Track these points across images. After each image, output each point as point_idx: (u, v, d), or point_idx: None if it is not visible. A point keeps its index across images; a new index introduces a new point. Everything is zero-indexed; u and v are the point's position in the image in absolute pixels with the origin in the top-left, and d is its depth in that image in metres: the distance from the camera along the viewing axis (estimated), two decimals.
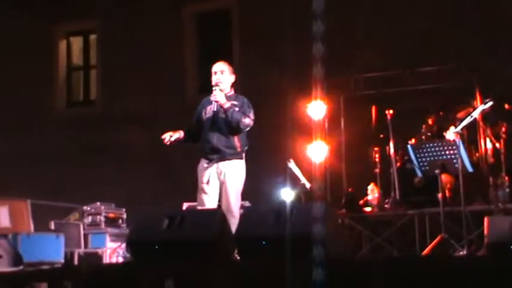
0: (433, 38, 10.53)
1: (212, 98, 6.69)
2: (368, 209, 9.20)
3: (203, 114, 6.82)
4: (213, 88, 6.69)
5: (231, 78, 6.86)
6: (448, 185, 8.59)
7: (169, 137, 6.82)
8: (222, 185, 6.60)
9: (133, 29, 12.91)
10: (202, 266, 4.94)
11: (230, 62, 12.56)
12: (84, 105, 13.85)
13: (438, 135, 9.03)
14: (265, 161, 9.81)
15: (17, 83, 13.41)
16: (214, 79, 6.77)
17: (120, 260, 9.49)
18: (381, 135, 9.54)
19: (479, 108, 8.14)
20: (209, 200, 6.61)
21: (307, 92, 9.07)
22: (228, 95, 6.74)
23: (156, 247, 5.28)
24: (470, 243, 7.42)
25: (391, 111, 9.18)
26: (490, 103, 8.00)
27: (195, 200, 9.36)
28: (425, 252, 7.36)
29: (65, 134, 13.07)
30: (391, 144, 9.09)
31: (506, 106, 8.92)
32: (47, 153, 12.90)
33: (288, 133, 10.59)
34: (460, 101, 9.04)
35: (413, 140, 9.01)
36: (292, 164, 8.78)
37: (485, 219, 6.57)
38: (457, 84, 9.36)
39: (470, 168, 7.62)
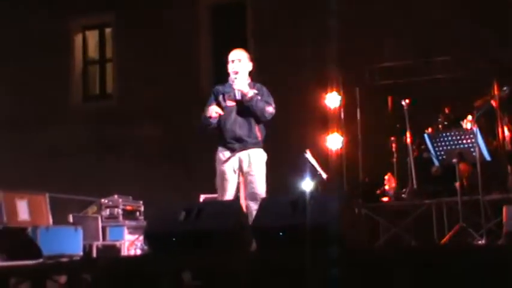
0: (448, 27, 10.48)
1: (235, 86, 6.59)
2: (385, 198, 9.19)
3: (222, 101, 6.69)
4: (234, 77, 6.60)
5: (249, 66, 6.78)
6: (466, 174, 8.55)
7: (215, 112, 6.56)
8: (246, 174, 6.53)
9: (148, 21, 12.94)
10: (220, 257, 4.95)
11: None
12: (101, 98, 13.90)
13: (455, 124, 8.99)
14: (282, 152, 9.81)
15: (33, 78, 13.48)
16: (232, 67, 6.67)
17: (138, 252, 9.53)
18: (397, 125, 9.51)
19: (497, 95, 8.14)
20: (232, 189, 6.55)
21: (323, 83, 9.10)
22: (247, 83, 6.67)
23: (174, 239, 5.30)
24: (489, 233, 7.39)
25: (407, 101, 9.14)
26: (507, 91, 7.97)
27: (211, 192, 9.42)
28: (443, 241, 7.34)
29: (81, 128, 13.13)
30: (408, 134, 9.06)
31: None
32: (64, 147, 12.97)
33: (304, 124, 10.60)
34: (476, 90, 8.99)
35: (429, 129, 8.97)
36: (308, 155, 8.78)
37: (504, 208, 6.57)
38: (473, 73, 9.31)
39: (488, 157, 7.58)
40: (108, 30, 13.91)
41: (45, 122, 13.25)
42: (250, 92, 6.54)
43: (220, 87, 6.81)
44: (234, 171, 6.57)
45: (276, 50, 11.74)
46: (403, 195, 9.10)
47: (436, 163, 8.03)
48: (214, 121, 6.62)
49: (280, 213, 5.22)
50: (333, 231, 4.81)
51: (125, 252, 9.67)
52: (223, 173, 6.60)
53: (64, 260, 7.41)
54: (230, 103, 6.64)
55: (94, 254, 9.43)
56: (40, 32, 13.55)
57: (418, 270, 4.37)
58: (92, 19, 13.87)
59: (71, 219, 9.54)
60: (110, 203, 10.20)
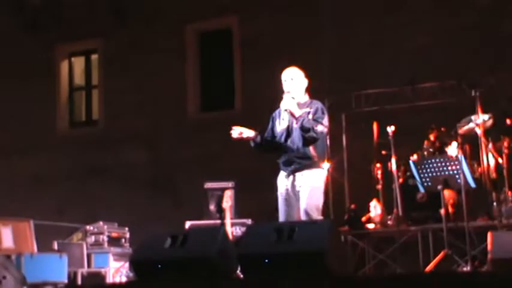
0: (434, 54, 10.57)
1: (281, 106, 6.46)
2: (371, 225, 9.20)
3: (277, 124, 6.57)
4: (284, 96, 6.45)
5: (304, 84, 6.59)
6: (451, 201, 8.59)
7: (238, 132, 6.45)
8: (301, 195, 6.34)
9: (135, 48, 12.97)
10: (205, 284, 4.93)
11: (231, 80, 12.72)
12: (87, 125, 13.88)
13: (440, 151, 9.04)
14: (267, 178, 9.81)
15: (20, 104, 13.46)
16: (285, 86, 6.53)
17: (124, 279, 9.46)
18: (383, 152, 9.55)
19: (480, 118, 8.24)
20: (291, 212, 6.38)
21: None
22: (302, 101, 6.50)
23: (159, 266, 5.27)
24: (474, 259, 7.41)
25: (392, 128, 9.19)
26: (491, 118, 8.09)
27: (197, 219, 9.42)
28: (428, 268, 7.35)
29: (67, 154, 13.09)
30: (393, 161, 9.10)
31: (508, 121, 8.94)
32: (50, 174, 12.92)
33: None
34: (461, 117, 9.06)
35: (415, 156, 9.02)
36: None
37: (489, 235, 6.57)
38: (458, 100, 9.38)
39: (472, 184, 7.62)
40: (94, 57, 13.93)
41: (32, 148, 13.21)
42: (298, 112, 6.37)
43: (278, 111, 6.65)
44: (287, 193, 6.42)
45: (262, 76, 11.79)
46: (388, 222, 9.11)
47: (422, 190, 8.07)
48: (256, 144, 6.54)
49: (266, 240, 5.21)
50: (319, 258, 4.80)
51: (110, 279, 9.60)
52: (280, 195, 6.49)
53: (48, 287, 7.36)
54: (283, 126, 6.51)
55: (79, 282, 9.35)
56: (26, 58, 13.55)
57: None
58: (78, 45, 13.89)
59: (55, 246, 9.48)
60: (95, 229, 10.15)
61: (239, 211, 9.32)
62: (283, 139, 6.49)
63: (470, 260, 7.26)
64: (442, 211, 7.63)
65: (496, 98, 9.23)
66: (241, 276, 5.41)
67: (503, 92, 9.34)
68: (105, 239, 10.07)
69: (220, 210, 8.49)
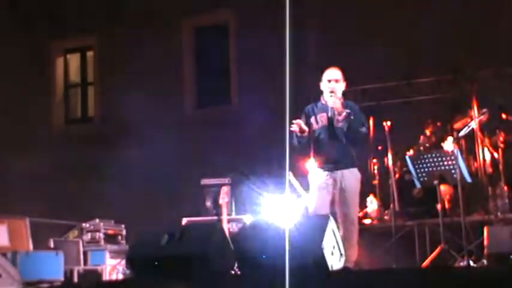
0: (429, 49, 10.56)
1: (329, 104, 6.46)
2: (367, 220, 9.19)
3: (314, 123, 6.58)
4: (330, 95, 6.47)
5: (343, 86, 6.66)
6: (447, 196, 8.59)
7: (299, 128, 6.42)
8: (340, 193, 6.39)
9: (131, 45, 12.94)
10: (203, 280, 4.93)
11: (227, 76, 12.70)
12: (82, 122, 13.87)
13: (436, 146, 9.04)
14: (264, 174, 9.80)
15: (15, 100, 13.43)
16: (330, 87, 6.55)
17: (120, 276, 9.45)
18: (379, 147, 9.55)
19: (477, 118, 8.22)
20: (324, 208, 6.38)
21: (305, 105, 9.10)
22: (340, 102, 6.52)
23: (156, 263, 5.27)
24: (470, 254, 7.41)
25: (388, 123, 9.19)
26: (487, 113, 8.07)
27: (194, 215, 9.40)
28: (425, 263, 7.35)
29: (63, 151, 13.06)
30: (390, 156, 9.10)
31: (504, 116, 8.95)
32: (46, 171, 12.88)
33: (287, 147, 10.58)
34: (457, 111, 9.06)
35: (411, 151, 9.02)
36: (291, 177, 8.78)
37: (485, 230, 6.59)
38: (454, 94, 9.38)
39: (468, 179, 7.61)
40: (89, 53, 13.90)
41: (27, 145, 13.17)
42: (344, 113, 6.38)
43: (310, 108, 6.69)
44: (328, 191, 6.42)
45: (259, 70, 11.77)
46: (385, 217, 9.11)
47: (418, 185, 8.06)
48: (302, 140, 6.51)
49: (263, 236, 5.21)
50: (315, 254, 4.81)
51: (106, 276, 9.58)
52: (316, 192, 6.49)
53: (44, 285, 7.34)
54: (322, 124, 6.53)
55: (75, 279, 9.33)
56: (21, 55, 13.52)
57: None
58: (74, 42, 13.87)
59: (51, 243, 9.45)
60: (92, 227, 10.12)
61: (236, 207, 9.31)
62: (324, 137, 6.50)
63: (467, 255, 7.26)
64: (438, 206, 7.63)
65: (491, 90, 9.24)
66: (239, 272, 5.41)
67: (499, 86, 9.34)
68: (102, 236, 10.05)
69: (217, 207, 8.49)
